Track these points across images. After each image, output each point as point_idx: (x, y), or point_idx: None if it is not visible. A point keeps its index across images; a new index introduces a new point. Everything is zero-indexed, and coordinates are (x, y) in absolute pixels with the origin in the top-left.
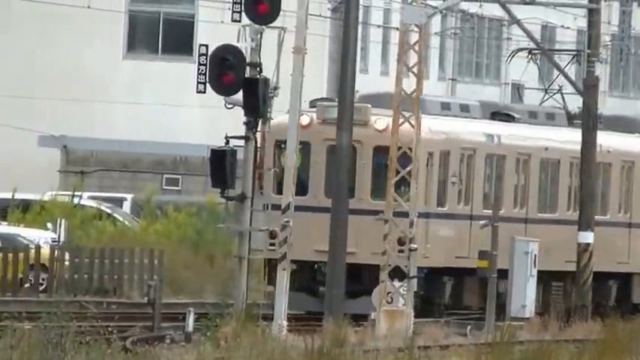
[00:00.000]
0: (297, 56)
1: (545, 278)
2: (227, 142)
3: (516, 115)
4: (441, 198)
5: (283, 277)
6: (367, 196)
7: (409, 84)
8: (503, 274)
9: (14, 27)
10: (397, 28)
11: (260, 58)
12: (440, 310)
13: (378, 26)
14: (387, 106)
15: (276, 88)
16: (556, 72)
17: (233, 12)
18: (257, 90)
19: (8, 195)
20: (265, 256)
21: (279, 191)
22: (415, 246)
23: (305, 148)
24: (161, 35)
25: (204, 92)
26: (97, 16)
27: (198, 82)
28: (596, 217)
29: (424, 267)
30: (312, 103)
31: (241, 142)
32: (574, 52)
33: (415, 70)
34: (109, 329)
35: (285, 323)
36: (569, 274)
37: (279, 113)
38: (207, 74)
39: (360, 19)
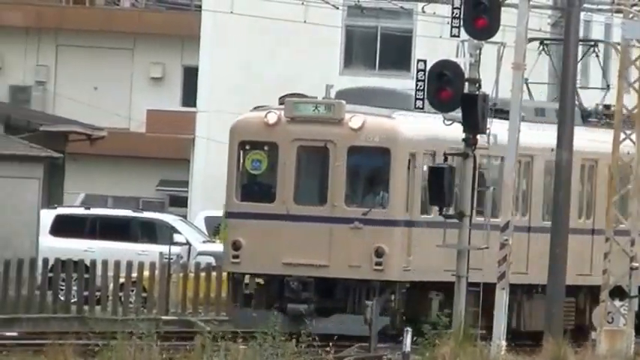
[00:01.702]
0: (516, 72)
1: None
2: (445, 159)
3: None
4: (425, 204)
5: (502, 297)
6: (341, 202)
7: (630, 100)
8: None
9: (229, 42)
10: (618, 44)
11: (479, 74)
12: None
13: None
14: (368, 103)
15: (495, 105)
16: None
17: (452, 27)
18: (476, 106)
19: (219, 213)
20: (228, 270)
21: (244, 198)
22: (637, 265)
23: (272, 149)
24: (378, 50)
25: (423, 108)
26: (313, 31)
27: (416, 98)
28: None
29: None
30: (281, 100)
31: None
32: (591, 42)
33: (636, 86)
34: (326, 349)
35: (504, 343)
36: None
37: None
38: (426, 90)
39: (581, 34)
